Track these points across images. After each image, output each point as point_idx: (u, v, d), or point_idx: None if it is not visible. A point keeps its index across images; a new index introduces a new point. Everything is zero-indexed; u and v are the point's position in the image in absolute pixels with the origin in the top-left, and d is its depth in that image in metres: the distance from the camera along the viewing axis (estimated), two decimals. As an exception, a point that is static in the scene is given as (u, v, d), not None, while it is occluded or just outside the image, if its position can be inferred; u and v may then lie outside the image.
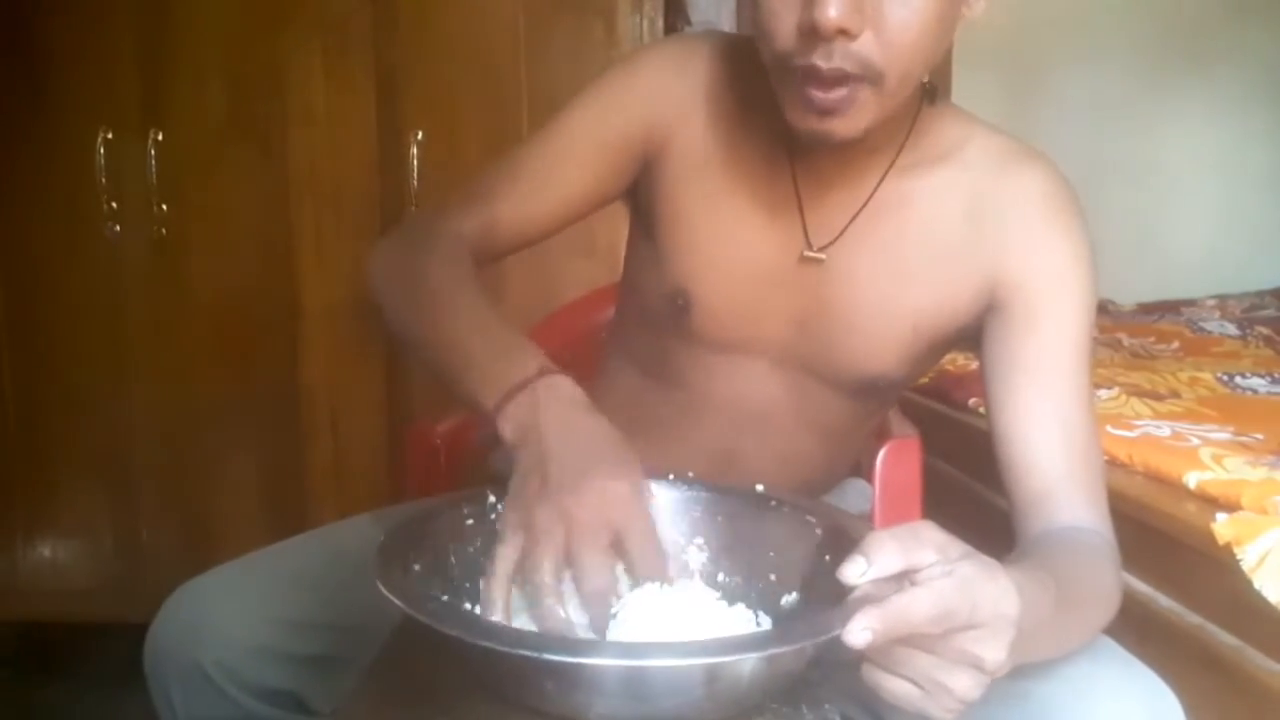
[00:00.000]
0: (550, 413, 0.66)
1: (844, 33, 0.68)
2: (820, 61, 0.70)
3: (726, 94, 0.86)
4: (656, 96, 0.87)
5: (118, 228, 1.92)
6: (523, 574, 0.62)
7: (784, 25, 0.71)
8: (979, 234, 0.82)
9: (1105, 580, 0.73)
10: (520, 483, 0.65)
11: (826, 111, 0.72)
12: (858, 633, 0.51)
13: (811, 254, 0.84)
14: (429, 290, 0.79)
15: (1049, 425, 0.78)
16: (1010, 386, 0.79)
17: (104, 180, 1.91)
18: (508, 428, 0.67)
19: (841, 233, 0.83)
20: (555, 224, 0.89)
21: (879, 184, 0.83)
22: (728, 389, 0.89)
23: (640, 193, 0.90)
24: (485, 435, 0.73)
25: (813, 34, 0.69)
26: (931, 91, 0.82)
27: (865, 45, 0.70)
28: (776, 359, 0.88)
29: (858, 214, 0.83)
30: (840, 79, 0.71)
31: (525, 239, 0.89)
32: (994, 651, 0.54)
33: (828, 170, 0.83)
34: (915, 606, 0.52)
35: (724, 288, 0.86)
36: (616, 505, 0.63)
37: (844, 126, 0.73)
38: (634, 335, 0.96)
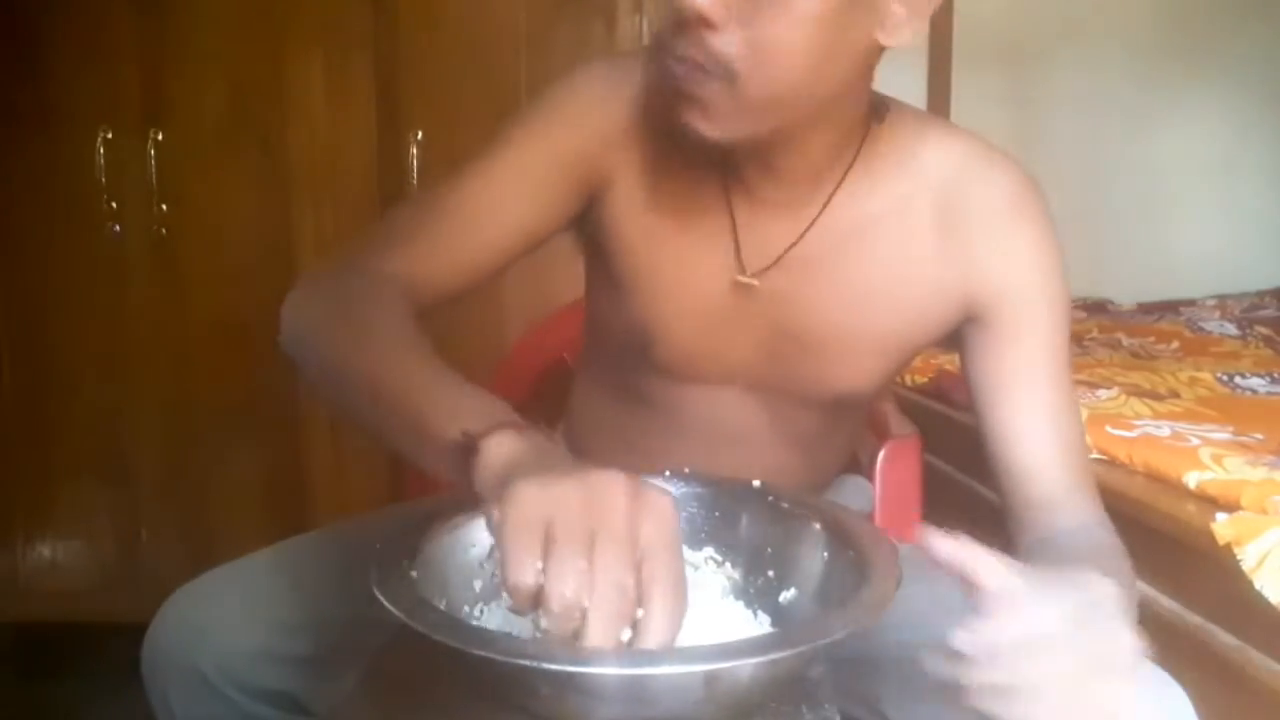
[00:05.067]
0: (540, 449, 0.57)
1: (705, 22, 0.66)
2: (680, 49, 0.68)
3: (661, 121, 0.79)
4: (596, 125, 0.81)
5: (118, 227, 1.92)
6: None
7: (666, 13, 0.70)
8: (948, 246, 0.79)
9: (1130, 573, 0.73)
10: (514, 488, 0.51)
11: (689, 101, 0.70)
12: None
13: (744, 279, 0.81)
14: (368, 338, 0.70)
15: (1048, 430, 0.78)
16: (1003, 395, 0.79)
17: (104, 180, 1.91)
18: (488, 465, 0.56)
19: (780, 258, 0.80)
20: (493, 266, 0.81)
21: (825, 206, 0.79)
22: (700, 414, 0.88)
23: (589, 227, 0.86)
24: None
25: (679, 20, 0.67)
26: (881, 110, 0.79)
27: (726, 41, 0.66)
28: (746, 385, 0.86)
29: (799, 240, 0.80)
30: (694, 69, 0.68)
31: (458, 286, 0.80)
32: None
33: (766, 195, 0.79)
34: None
35: (682, 323, 0.83)
36: (652, 512, 0.51)
37: (704, 124, 0.70)
38: (603, 362, 0.95)
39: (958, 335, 0.83)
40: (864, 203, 0.80)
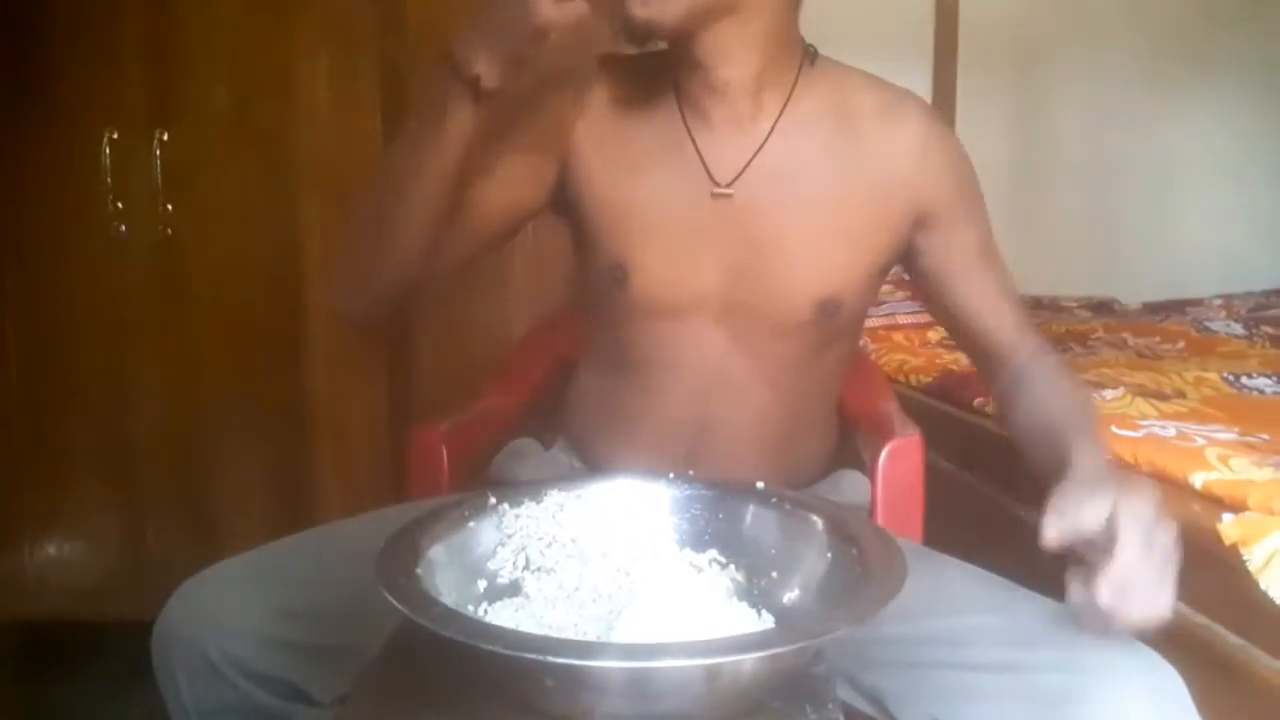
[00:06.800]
0: None
1: None
2: None
3: (623, 76, 0.96)
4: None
5: (123, 227, 1.93)
6: None
7: None
8: (893, 154, 0.92)
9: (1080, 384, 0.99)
10: None
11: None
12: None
13: (720, 190, 0.91)
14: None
15: (997, 297, 0.96)
16: (959, 278, 0.96)
17: (109, 180, 1.91)
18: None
19: (745, 168, 0.91)
20: (498, 231, 0.97)
21: (778, 118, 0.92)
22: (682, 355, 0.94)
23: (568, 190, 0.96)
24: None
25: None
26: (812, 55, 0.95)
27: None
28: (718, 313, 0.93)
29: (761, 147, 0.91)
30: None
31: (470, 254, 0.97)
32: None
33: (718, 115, 0.92)
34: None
35: (653, 249, 0.92)
36: None
37: (639, 8, 0.86)
38: (594, 331, 1.02)
39: (909, 248, 0.96)
40: (811, 121, 0.92)
